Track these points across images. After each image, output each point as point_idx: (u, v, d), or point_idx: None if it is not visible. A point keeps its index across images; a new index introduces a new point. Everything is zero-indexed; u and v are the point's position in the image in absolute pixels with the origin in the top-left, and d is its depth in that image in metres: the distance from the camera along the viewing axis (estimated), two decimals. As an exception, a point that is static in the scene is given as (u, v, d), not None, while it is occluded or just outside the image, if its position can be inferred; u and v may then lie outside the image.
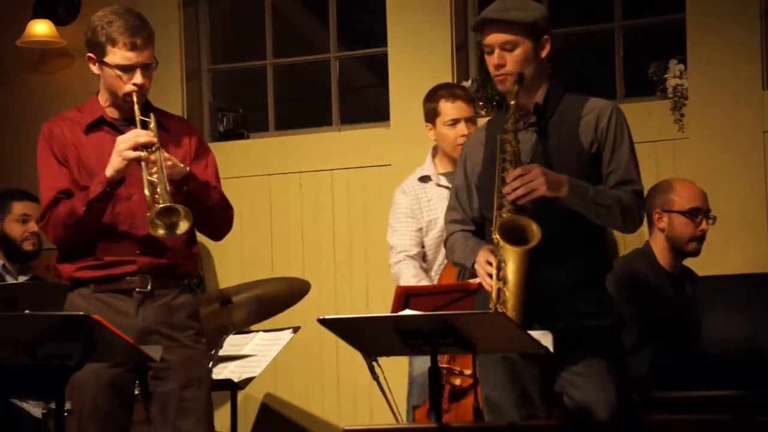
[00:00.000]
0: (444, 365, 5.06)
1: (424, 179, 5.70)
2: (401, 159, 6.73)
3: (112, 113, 4.52)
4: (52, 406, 5.63)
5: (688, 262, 5.36)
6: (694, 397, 4.63)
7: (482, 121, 5.53)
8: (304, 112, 7.44)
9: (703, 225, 5.24)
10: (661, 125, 6.29)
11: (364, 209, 6.87)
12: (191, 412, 4.45)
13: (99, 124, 4.51)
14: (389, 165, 6.78)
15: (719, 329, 4.67)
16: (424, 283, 5.50)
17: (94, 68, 4.48)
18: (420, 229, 5.60)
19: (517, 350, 4.05)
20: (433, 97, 5.66)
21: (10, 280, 5.94)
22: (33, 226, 6.04)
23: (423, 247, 5.62)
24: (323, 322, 3.80)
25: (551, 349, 3.87)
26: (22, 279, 6.02)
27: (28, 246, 6.07)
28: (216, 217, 4.53)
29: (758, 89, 6.15)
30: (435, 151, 5.76)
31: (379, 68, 7.03)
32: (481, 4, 6.74)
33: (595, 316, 4.12)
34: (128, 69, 4.40)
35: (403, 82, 6.79)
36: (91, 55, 4.46)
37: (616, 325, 4.19)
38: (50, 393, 5.22)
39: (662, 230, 5.23)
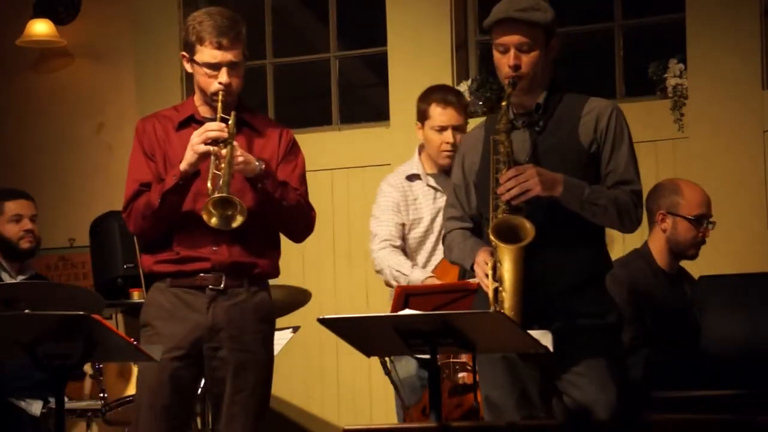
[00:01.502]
0: (444, 360, 5.06)
1: (412, 177, 5.66)
2: (401, 158, 6.72)
3: (204, 112, 4.58)
4: (52, 405, 5.65)
5: (686, 262, 5.36)
6: (694, 397, 4.63)
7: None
8: (304, 111, 7.45)
9: (707, 233, 5.22)
10: (661, 125, 6.30)
11: (364, 209, 6.86)
12: (237, 418, 4.47)
13: (189, 121, 4.58)
14: (389, 164, 6.78)
15: (718, 329, 4.67)
16: (416, 269, 5.48)
17: (188, 66, 4.57)
18: (403, 225, 5.58)
19: (517, 350, 4.05)
20: (426, 98, 5.59)
21: (6, 278, 5.94)
22: (27, 224, 6.04)
23: (404, 242, 5.60)
24: (323, 321, 3.81)
25: (551, 348, 3.86)
26: (20, 278, 6.02)
27: (24, 244, 6.06)
28: (292, 218, 4.55)
29: (758, 89, 6.16)
30: (421, 149, 5.71)
31: (379, 68, 7.04)
32: (481, 4, 6.74)
33: (595, 315, 4.11)
34: (214, 67, 4.48)
35: (402, 81, 6.79)
36: (184, 53, 4.56)
37: (616, 325, 4.18)
38: (51, 392, 5.24)
39: (664, 231, 5.22)
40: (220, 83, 4.47)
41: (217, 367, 4.46)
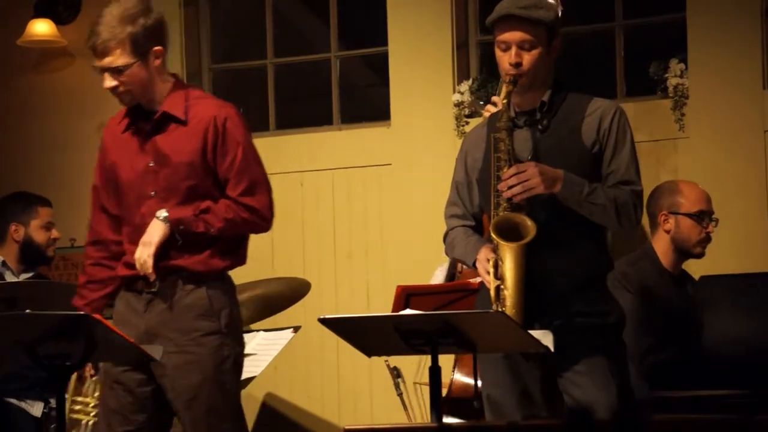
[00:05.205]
0: None
1: None
2: (402, 158, 6.74)
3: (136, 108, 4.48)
4: (53, 405, 5.65)
5: (688, 262, 5.36)
6: (695, 397, 4.63)
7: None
8: (304, 111, 7.44)
9: (710, 228, 5.25)
10: (662, 124, 6.30)
11: (364, 208, 6.87)
12: (186, 424, 4.35)
13: (127, 118, 4.50)
14: (390, 164, 6.78)
15: (719, 329, 4.67)
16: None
17: None
18: None
19: (518, 350, 4.04)
20: None
21: (9, 277, 5.95)
22: (55, 233, 6.11)
23: None
24: (324, 321, 3.80)
25: (552, 348, 3.86)
26: (23, 277, 6.03)
27: (51, 252, 6.15)
28: (228, 234, 4.39)
29: (759, 88, 6.15)
30: None
31: (379, 67, 7.03)
32: (482, 4, 6.74)
33: (596, 314, 4.11)
34: (99, 72, 4.38)
35: (403, 81, 6.79)
36: None
37: (617, 324, 4.18)
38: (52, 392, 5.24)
39: (668, 232, 5.24)
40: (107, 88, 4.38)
41: (160, 375, 4.34)
